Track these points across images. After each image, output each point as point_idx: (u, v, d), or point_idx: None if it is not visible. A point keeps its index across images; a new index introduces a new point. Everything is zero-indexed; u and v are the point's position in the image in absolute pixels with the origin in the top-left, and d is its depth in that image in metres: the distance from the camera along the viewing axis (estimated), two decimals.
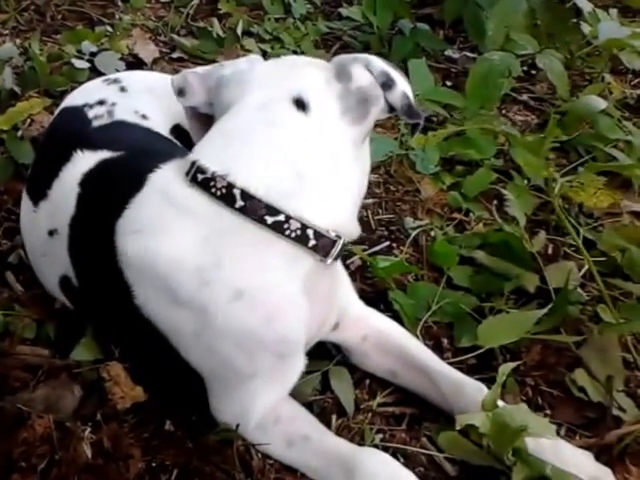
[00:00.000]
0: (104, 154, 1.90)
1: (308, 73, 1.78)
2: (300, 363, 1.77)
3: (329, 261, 1.67)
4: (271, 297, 1.63)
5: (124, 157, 1.90)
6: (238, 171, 1.63)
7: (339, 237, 1.67)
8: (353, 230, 1.80)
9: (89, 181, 1.87)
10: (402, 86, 1.77)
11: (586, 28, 3.38)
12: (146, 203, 1.71)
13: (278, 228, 1.61)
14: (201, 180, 1.64)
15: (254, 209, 1.60)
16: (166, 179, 1.72)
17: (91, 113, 2.13)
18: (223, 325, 1.61)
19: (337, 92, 1.74)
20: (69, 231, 1.85)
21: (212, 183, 1.63)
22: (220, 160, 1.66)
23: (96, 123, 2.10)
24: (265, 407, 1.72)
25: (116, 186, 1.78)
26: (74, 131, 2.07)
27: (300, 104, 1.70)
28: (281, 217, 1.61)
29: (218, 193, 1.62)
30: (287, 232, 1.61)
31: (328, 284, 1.80)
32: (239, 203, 1.60)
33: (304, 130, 1.69)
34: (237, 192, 1.61)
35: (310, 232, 1.63)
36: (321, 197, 1.67)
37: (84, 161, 1.92)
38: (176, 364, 1.71)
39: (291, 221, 1.61)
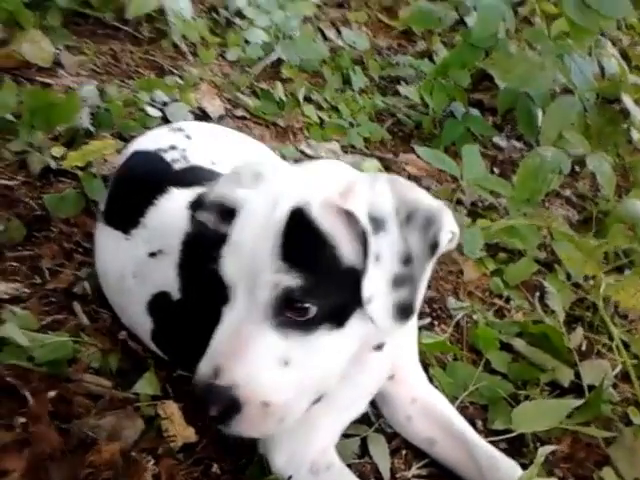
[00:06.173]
0: (199, 189, 1.99)
1: None
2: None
3: None
4: None
5: None
6: None
7: None
8: None
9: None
10: None
11: (635, 134, 3.48)
12: None
13: None
14: None
15: None
16: None
17: (168, 157, 2.29)
18: None
19: None
20: (182, 248, 2.01)
21: None
22: None
23: (177, 166, 2.25)
24: (322, 443, 1.83)
25: None
26: (159, 171, 2.24)
27: None
28: None
29: None
30: None
31: None
32: None
33: None
34: None
35: None
36: None
37: (182, 194, 2.09)
38: None
39: None
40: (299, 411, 1.59)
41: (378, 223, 1.48)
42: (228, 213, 1.65)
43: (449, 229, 1.53)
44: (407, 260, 1.49)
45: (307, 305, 1.49)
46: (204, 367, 1.50)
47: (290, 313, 1.49)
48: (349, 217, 1.50)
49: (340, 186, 1.54)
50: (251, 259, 1.49)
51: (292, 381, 1.53)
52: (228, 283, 1.55)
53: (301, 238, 1.49)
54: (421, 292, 1.53)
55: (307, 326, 1.51)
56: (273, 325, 1.50)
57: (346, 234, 1.50)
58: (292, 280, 1.46)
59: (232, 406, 1.48)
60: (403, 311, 1.51)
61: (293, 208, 1.50)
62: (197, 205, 1.72)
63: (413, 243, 1.50)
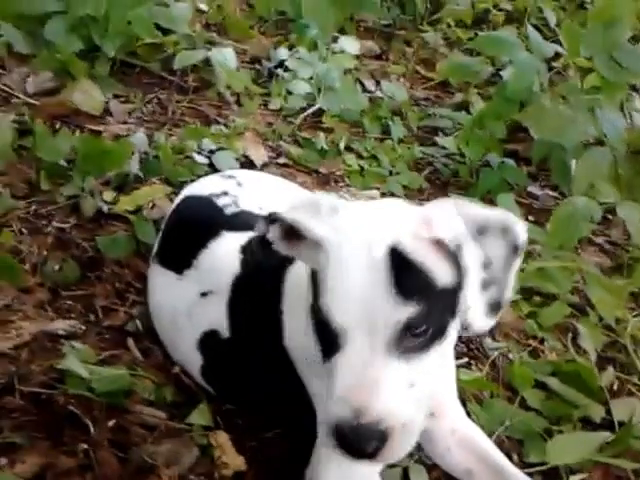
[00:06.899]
0: (250, 234, 2.10)
1: None
2: None
3: None
4: None
5: None
6: None
7: None
8: None
9: (248, 250, 2.15)
10: None
11: None
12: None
13: None
14: None
15: None
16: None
17: (220, 202, 2.43)
18: None
19: None
20: (232, 289, 2.15)
21: None
22: None
23: (228, 211, 2.40)
24: (369, 474, 1.91)
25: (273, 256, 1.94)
26: (211, 215, 2.39)
27: None
28: None
29: None
30: None
31: None
32: None
33: None
34: None
35: None
36: None
37: (233, 238, 2.24)
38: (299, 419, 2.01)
39: None
40: (422, 424, 1.67)
41: (459, 241, 1.63)
42: (291, 234, 1.76)
43: (522, 229, 1.69)
44: (487, 265, 1.65)
45: (423, 329, 1.60)
46: (343, 411, 1.56)
47: (409, 340, 1.59)
48: (436, 244, 1.62)
49: (418, 218, 1.67)
50: (365, 303, 1.56)
51: (415, 398, 1.61)
52: (338, 330, 1.60)
53: (405, 273, 1.58)
54: (509, 289, 1.70)
55: (423, 347, 1.61)
56: (396, 355, 1.58)
57: (437, 258, 1.62)
58: (409, 312, 1.56)
59: (381, 438, 1.55)
60: (494, 308, 1.69)
61: (389, 248, 1.59)
62: (272, 220, 1.78)
63: (492, 250, 1.65)
